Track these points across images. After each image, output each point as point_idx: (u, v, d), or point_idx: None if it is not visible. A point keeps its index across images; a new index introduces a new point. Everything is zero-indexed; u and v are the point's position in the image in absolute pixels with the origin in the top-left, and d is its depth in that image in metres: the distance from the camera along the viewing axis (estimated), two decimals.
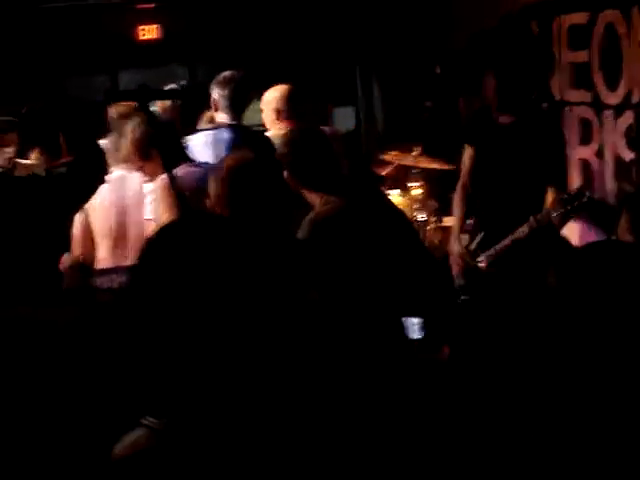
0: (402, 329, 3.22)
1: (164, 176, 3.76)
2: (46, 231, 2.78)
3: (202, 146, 4.46)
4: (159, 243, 1.52)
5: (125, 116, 4.62)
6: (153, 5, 7.72)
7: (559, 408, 1.99)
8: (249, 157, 2.96)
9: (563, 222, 4.20)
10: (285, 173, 3.33)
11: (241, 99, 4.81)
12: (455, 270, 4.36)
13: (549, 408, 2.01)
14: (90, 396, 2.02)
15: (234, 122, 4.70)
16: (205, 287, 1.55)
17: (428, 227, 5.57)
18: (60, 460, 1.94)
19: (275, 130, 4.80)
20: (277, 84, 5.25)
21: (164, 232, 1.65)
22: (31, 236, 2.71)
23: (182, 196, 2.59)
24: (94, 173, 2.86)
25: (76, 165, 2.78)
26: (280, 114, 4.90)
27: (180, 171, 3.84)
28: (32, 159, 4.99)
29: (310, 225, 3.24)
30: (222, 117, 4.73)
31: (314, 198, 3.39)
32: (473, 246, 4.35)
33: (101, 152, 2.88)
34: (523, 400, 2.10)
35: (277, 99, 4.97)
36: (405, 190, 5.74)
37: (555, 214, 4.04)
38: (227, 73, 4.84)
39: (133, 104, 5.37)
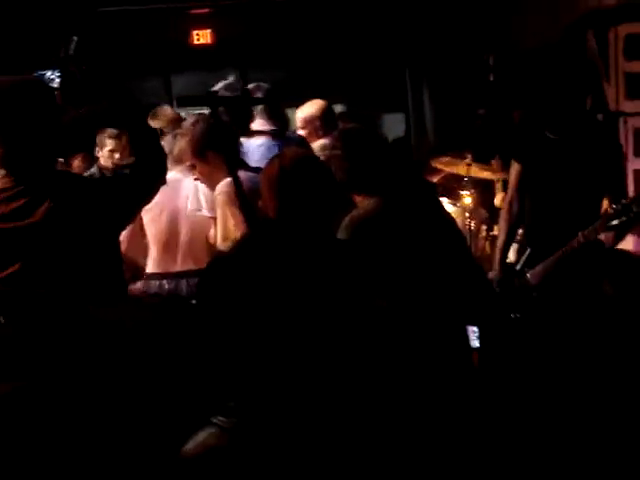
0: (465, 335, 3.19)
1: (228, 180, 3.78)
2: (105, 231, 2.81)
3: (253, 150, 4.45)
4: (237, 255, 1.54)
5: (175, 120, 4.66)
6: (207, 10, 7.79)
7: (617, 413, 1.97)
8: (300, 156, 2.92)
9: (616, 238, 4.10)
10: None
11: (277, 105, 4.79)
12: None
13: (608, 414, 1.99)
14: (161, 394, 2.04)
15: (274, 127, 4.68)
16: (282, 297, 1.56)
17: (479, 236, 5.53)
18: (130, 457, 1.97)
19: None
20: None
21: (243, 244, 1.67)
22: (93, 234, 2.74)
23: (246, 200, 2.58)
24: (157, 175, 2.88)
25: (139, 166, 2.81)
26: (322, 129, 4.96)
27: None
28: (74, 167, 5.05)
29: (350, 227, 3.20)
30: (260, 123, 4.68)
31: (359, 200, 3.37)
32: (520, 264, 4.30)
33: (164, 154, 2.91)
34: (580, 405, 2.08)
35: (318, 114, 5.01)
36: (456, 198, 5.71)
37: (602, 230, 3.95)
38: (260, 83, 4.74)
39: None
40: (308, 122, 4.96)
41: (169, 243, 4.14)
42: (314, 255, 1.74)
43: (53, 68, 2.79)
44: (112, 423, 1.99)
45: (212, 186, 3.95)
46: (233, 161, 2.77)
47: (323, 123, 5.00)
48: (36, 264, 2.62)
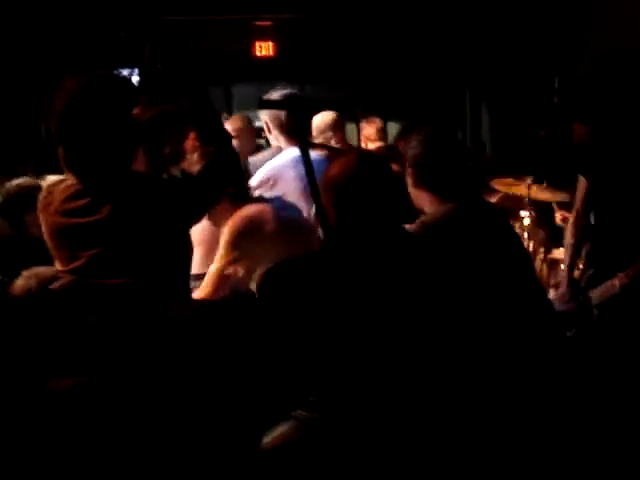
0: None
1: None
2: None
3: (291, 162, 4.31)
4: (314, 256, 1.53)
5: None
6: (270, 23, 7.86)
7: None
8: (364, 159, 2.89)
9: None
10: (409, 171, 3.32)
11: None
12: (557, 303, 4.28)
13: None
14: (242, 387, 2.04)
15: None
16: (361, 295, 1.55)
17: (537, 258, 5.45)
18: (209, 449, 1.96)
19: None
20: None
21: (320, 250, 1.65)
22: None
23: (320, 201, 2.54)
24: (228, 177, 2.89)
25: (212, 168, 2.82)
26: (334, 138, 5.08)
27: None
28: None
29: (422, 228, 3.16)
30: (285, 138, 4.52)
31: (426, 200, 3.34)
32: (583, 282, 4.24)
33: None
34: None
35: (335, 123, 5.14)
36: (514, 219, 5.63)
37: None
38: (286, 91, 4.52)
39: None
40: (321, 132, 5.06)
41: (212, 246, 4.10)
42: (389, 257, 1.72)
43: (129, 67, 2.82)
44: (184, 419, 1.99)
45: None
46: (310, 165, 2.73)
47: (335, 133, 5.17)
48: (104, 258, 2.65)
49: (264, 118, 4.58)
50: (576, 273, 4.47)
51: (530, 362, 3.01)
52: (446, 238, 3.12)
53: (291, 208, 3.73)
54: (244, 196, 3.50)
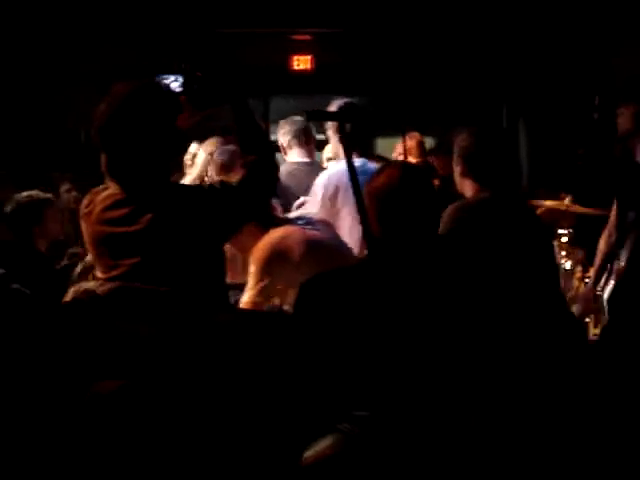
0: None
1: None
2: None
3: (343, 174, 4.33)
4: (351, 269, 1.52)
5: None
6: (308, 37, 7.88)
7: None
8: (406, 171, 2.88)
9: None
10: (457, 161, 3.49)
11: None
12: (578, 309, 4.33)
13: None
14: (285, 399, 2.03)
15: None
16: (419, 309, 1.54)
17: (574, 277, 5.37)
18: (250, 462, 1.95)
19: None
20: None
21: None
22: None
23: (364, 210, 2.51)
24: (267, 187, 2.90)
25: (251, 177, 2.82)
26: None
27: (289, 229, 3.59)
28: None
29: (454, 214, 3.29)
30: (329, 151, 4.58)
31: (469, 188, 3.49)
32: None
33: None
34: None
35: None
36: (553, 237, 5.56)
37: None
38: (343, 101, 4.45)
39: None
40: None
41: (232, 256, 4.05)
42: (432, 269, 1.72)
43: (175, 74, 2.83)
44: (227, 427, 1.99)
45: None
46: (355, 176, 2.71)
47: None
48: (145, 267, 2.65)
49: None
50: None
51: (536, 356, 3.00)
52: (476, 221, 3.20)
53: (317, 224, 3.69)
54: (270, 219, 3.43)
